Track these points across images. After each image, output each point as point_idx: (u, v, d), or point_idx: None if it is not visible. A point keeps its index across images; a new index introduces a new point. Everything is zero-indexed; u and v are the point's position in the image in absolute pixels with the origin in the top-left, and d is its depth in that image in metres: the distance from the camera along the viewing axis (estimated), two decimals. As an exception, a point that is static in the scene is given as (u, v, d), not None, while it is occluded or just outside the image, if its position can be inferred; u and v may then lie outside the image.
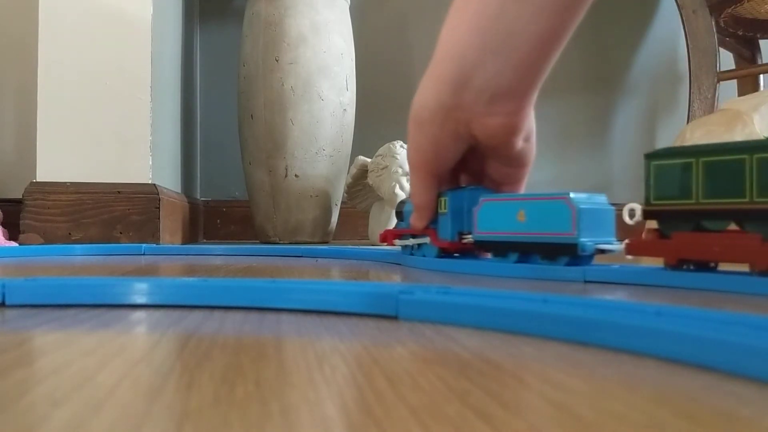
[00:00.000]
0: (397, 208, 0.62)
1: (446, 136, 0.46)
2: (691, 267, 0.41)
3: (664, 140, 1.64)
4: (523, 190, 0.52)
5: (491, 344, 0.21)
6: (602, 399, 0.14)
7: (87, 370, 0.17)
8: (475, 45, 0.42)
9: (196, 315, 0.26)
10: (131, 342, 0.21)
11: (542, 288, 0.37)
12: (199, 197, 1.49)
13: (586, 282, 0.42)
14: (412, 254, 0.57)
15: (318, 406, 0.13)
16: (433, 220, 0.54)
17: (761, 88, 1.45)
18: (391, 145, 1.08)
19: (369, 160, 1.12)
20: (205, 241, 1.42)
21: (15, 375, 0.16)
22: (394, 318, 0.25)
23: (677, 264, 0.41)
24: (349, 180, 1.17)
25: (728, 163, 0.38)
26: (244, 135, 1.24)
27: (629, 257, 0.45)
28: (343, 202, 1.28)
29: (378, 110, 1.54)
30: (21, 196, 0.89)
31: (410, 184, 0.53)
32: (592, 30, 1.65)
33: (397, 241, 0.60)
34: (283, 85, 1.17)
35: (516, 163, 0.49)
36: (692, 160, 0.40)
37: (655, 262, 0.44)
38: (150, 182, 0.93)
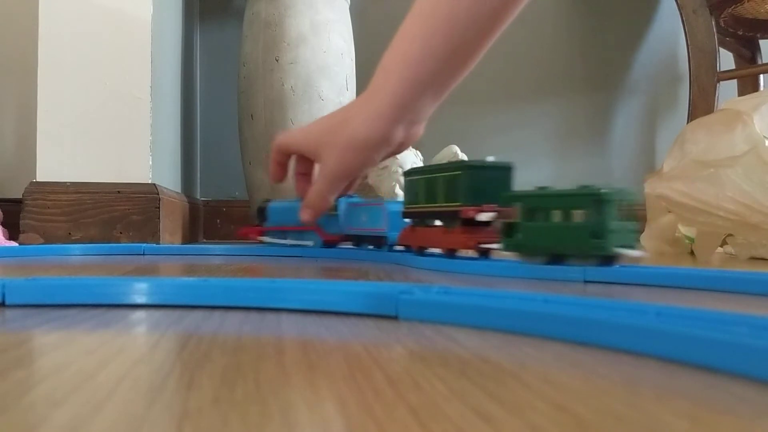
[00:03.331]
0: (259, 206, 0.74)
1: (376, 157, 0.59)
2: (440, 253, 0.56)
3: (664, 140, 1.64)
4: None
5: (491, 344, 0.21)
6: (602, 399, 0.14)
7: (87, 370, 0.17)
8: (412, 96, 0.55)
9: (196, 315, 0.26)
10: (131, 342, 0.21)
11: (542, 288, 0.37)
12: (199, 197, 1.49)
13: (586, 282, 0.42)
14: (294, 246, 0.72)
15: (318, 406, 0.13)
16: (322, 219, 0.68)
17: (761, 88, 1.45)
18: (391, 145, 1.08)
19: (369, 160, 1.12)
20: (205, 241, 1.42)
21: (15, 375, 0.16)
22: (394, 318, 0.25)
23: (418, 250, 0.58)
24: (349, 180, 1.17)
25: (431, 179, 0.56)
26: (244, 135, 1.24)
27: (399, 244, 0.62)
28: (343, 202, 1.28)
29: (378, 110, 1.54)
30: (21, 196, 0.89)
31: (324, 191, 0.63)
32: (592, 30, 1.65)
33: (262, 238, 0.73)
34: (283, 85, 1.17)
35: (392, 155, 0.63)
36: (419, 177, 0.57)
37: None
38: (150, 182, 0.93)
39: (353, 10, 1.32)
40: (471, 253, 0.54)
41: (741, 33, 1.43)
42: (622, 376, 0.17)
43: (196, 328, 0.23)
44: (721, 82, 1.32)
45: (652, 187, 0.77)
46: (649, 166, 1.64)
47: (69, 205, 0.89)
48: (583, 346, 0.20)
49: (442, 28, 0.53)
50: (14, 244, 0.83)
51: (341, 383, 0.15)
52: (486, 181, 0.52)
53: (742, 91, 1.44)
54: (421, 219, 0.58)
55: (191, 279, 0.30)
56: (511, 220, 0.48)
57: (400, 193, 1.03)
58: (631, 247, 0.44)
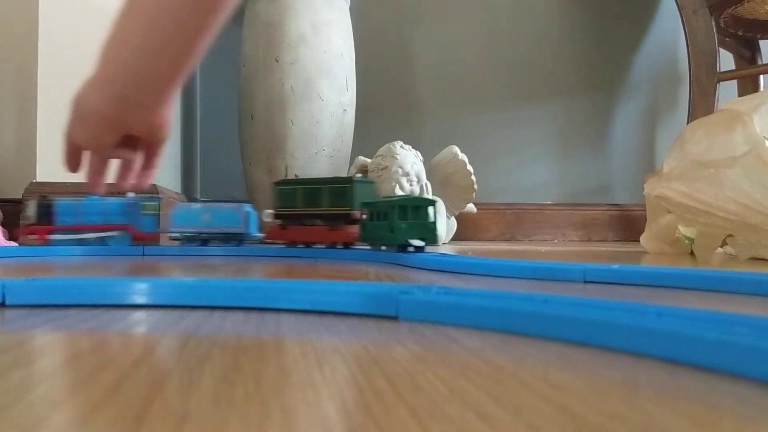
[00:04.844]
0: (41, 211, 0.76)
1: (106, 134, 0.56)
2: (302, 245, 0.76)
3: (664, 140, 1.64)
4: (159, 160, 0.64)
5: (491, 344, 0.21)
6: (602, 399, 0.14)
7: (87, 370, 0.17)
8: (124, 79, 0.53)
9: (196, 315, 0.26)
10: (131, 342, 0.21)
11: (542, 288, 0.37)
12: (199, 197, 1.49)
13: (585, 282, 0.42)
14: (106, 245, 0.76)
15: (318, 406, 0.13)
16: (133, 217, 0.76)
17: (761, 89, 1.45)
18: (391, 146, 1.08)
19: (369, 160, 1.12)
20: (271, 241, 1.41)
21: (15, 375, 0.16)
22: (394, 318, 0.25)
23: (290, 244, 0.76)
24: (349, 180, 1.17)
25: (314, 189, 0.75)
26: (244, 135, 1.24)
27: (266, 240, 0.79)
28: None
29: (378, 110, 1.54)
30: (21, 196, 0.89)
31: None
32: (593, 30, 1.65)
33: (49, 236, 0.75)
34: (283, 85, 1.17)
35: (156, 141, 0.60)
36: (297, 187, 0.76)
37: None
38: (150, 182, 0.93)
39: (353, 10, 1.32)
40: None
41: (741, 33, 1.43)
42: (622, 376, 0.17)
43: (196, 329, 0.23)
44: (721, 83, 1.32)
45: (652, 188, 0.77)
46: (649, 166, 1.64)
47: (69, 205, 0.89)
48: (583, 346, 0.20)
49: (157, 13, 0.51)
50: (14, 244, 0.83)
51: (341, 383, 0.15)
52: (362, 192, 0.73)
53: (742, 92, 1.44)
54: (298, 219, 0.76)
55: (191, 279, 0.30)
56: (364, 220, 0.69)
57: (399, 193, 1.03)
58: (425, 239, 0.63)
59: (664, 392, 0.15)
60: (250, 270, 0.53)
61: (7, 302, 0.28)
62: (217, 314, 0.26)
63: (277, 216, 0.77)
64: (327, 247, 0.73)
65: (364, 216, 0.68)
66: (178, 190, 1.23)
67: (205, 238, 0.76)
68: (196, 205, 0.78)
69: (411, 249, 0.63)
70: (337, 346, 0.20)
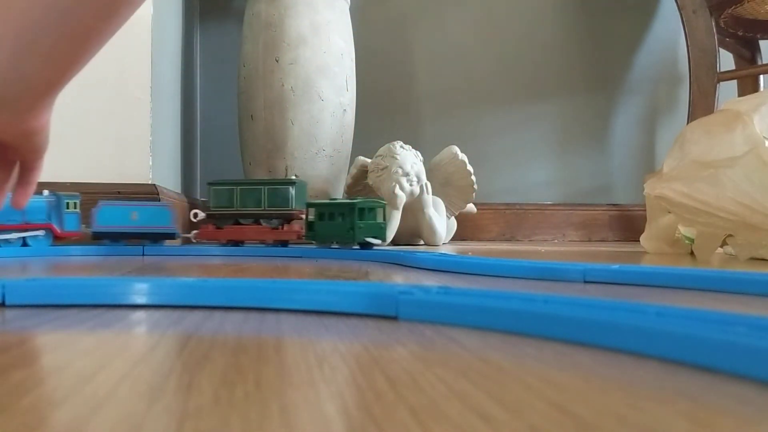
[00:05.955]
0: None
1: None
2: (240, 245, 0.80)
3: (664, 140, 1.64)
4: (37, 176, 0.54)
5: (491, 344, 0.21)
6: (602, 399, 0.14)
7: (87, 370, 0.17)
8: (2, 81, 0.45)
9: (196, 315, 0.26)
10: (131, 342, 0.21)
11: (542, 288, 0.37)
12: (199, 197, 1.49)
13: (585, 282, 0.42)
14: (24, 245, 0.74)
15: (318, 406, 0.13)
16: (55, 216, 0.74)
17: (761, 89, 1.45)
18: (391, 146, 1.08)
19: (369, 160, 1.12)
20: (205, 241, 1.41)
21: (15, 375, 0.16)
22: (394, 318, 0.25)
23: (226, 243, 0.80)
24: (349, 180, 1.17)
25: (253, 190, 0.79)
26: (244, 135, 1.24)
27: (198, 240, 0.82)
28: (343, 203, 1.28)
29: (378, 110, 1.54)
30: None
31: None
32: (593, 30, 1.65)
33: None
34: (283, 85, 1.17)
35: (31, 151, 0.51)
36: (234, 187, 0.80)
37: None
38: (150, 182, 0.93)
39: (353, 10, 1.32)
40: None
41: (741, 33, 1.43)
42: (622, 376, 0.17)
43: (196, 329, 0.23)
44: (721, 83, 1.32)
45: (652, 188, 0.77)
46: (649, 166, 1.64)
47: (69, 205, 0.89)
48: (583, 346, 0.20)
49: (41, 12, 0.45)
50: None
51: (341, 383, 0.15)
52: (299, 193, 0.79)
53: (742, 92, 1.44)
54: (232, 219, 0.79)
55: (191, 279, 0.30)
56: (311, 219, 0.74)
57: (400, 194, 1.03)
58: (377, 237, 0.71)
59: (664, 392, 0.15)
60: (251, 270, 0.53)
61: (7, 302, 0.28)
62: (217, 314, 0.26)
63: (210, 216, 0.80)
64: (267, 246, 0.79)
65: (310, 216, 0.74)
66: (178, 190, 1.23)
67: (136, 237, 0.77)
68: (124, 204, 0.78)
69: (356, 247, 0.71)
70: (337, 346, 0.20)
